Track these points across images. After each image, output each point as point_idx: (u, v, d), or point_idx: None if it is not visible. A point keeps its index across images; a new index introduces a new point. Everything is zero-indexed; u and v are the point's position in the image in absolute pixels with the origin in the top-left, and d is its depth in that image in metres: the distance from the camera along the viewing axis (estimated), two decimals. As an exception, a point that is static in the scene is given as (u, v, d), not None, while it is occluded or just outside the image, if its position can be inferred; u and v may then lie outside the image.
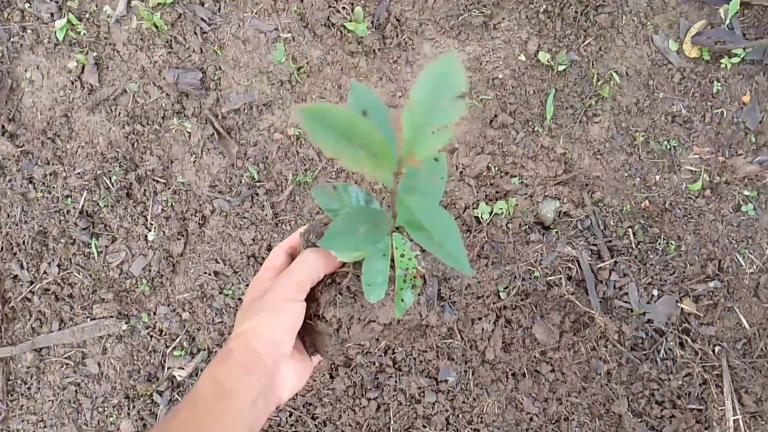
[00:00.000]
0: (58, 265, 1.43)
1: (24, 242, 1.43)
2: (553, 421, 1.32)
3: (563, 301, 1.34)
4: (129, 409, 1.38)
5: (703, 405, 1.31)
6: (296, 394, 1.34)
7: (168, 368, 1.39)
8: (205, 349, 1.40)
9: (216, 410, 0.50)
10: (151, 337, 1.40)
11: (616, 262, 1.37)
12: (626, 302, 1.35)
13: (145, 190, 1.44)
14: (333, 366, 1.34)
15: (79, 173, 1.45)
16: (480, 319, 1.33)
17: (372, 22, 1.45)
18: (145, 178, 1.44)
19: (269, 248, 1.39)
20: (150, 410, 1.38)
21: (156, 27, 1.46)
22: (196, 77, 1.45)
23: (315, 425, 1.33)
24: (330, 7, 1.45)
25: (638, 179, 1.41)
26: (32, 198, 1.45)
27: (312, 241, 0.63)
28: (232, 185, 1.43)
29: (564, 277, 1.35)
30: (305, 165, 1.44)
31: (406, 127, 0.42)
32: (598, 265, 1.37)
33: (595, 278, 1.37)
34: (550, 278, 1.35)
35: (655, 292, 1.36)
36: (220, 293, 1.40)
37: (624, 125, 1.43)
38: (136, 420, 1.38)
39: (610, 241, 1.38)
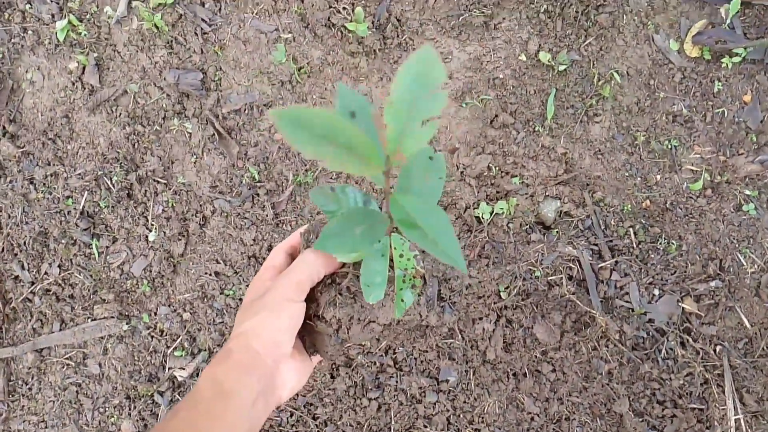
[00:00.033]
0: (59, 266, 1.43)
1: (25, 243, 1.44)
2: (554, 421, 1.32)
3: (564, 300, 1.34)
4: (130, 409, 1.39)
5: (704, 404, 1.31)
6: (297, 394, 1.34)
7: (169, 368, 1.39)
8: (206, 350, 1.40)
9: (216, 410, 0.50)
10: (152, 337, 1.41)
11: (617, 261, 1.37)
12: (627, 302, 1.35)
13: (145, 190, 1.44)
14: (334, 366, 1.34)
15: (79, 174, 1.45)
16: (481, 318, 1.33)
17: (372, 23, 1.45)
18: (146, 178, 1.44)
19: (270, 248, 1.39)
20: (151, 411, 1.39)
21: (157, 28, 1.46)
22: (197, 78, 1.45)
23: (316, 425, 1.33)
24: (330, 7, 1.45)
25: (639, 179, 1.41)
26: (33, 199, 1.45)
27: (312, 241, 0.63)
28: (233, 186, 1.43)
29: (565, 277, 1.35)
30: (306, 165, 1.44)
31: (389, 124, 0.42)
32: (599, 265, 1.36)
33: (596, 278, 1.36)
34: (550, 278, 1.35)
35: (656, 292, 1.35)
36: (220, 293, 1.40)
37: (625, 125, 1.43)
38: (137, 420, 1.38)
39: (611, 241, 1.38)
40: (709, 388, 1.31)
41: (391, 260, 0.58)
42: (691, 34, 1.43)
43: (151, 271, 1.41)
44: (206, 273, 1.41)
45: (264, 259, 1.40)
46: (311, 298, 0.60)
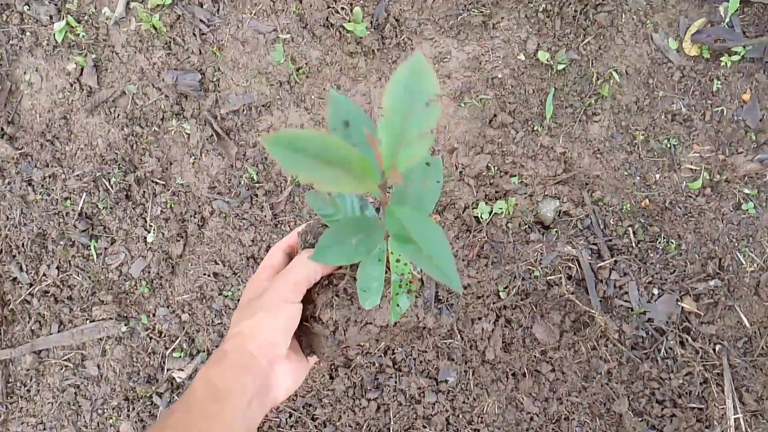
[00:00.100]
0: (58, 267, 1.43)
1: (23, 244, 1.44)
2: (553, 421, 1.32)
3: (563, 300, 1.34)
4: (128, 410, 1.38)
5: (703, 404, 1.31)
6: (296, 395, 1.34)
7: (167, 370, 1.39)
8: (204, 351, 1.39)
9: (211, 411, 0.50)
10: (151, 338, 1.40)
11: (616, 261, 1.37)
12: (626, 301, 1.35)
13: (144, 191, 1.44)
14: (333, 367, 1.34)
15: (78, 175, 1.45)
16: (480, 318, 1.33)
17: (371, 23, 1.45)
18: (144, 179, 1.44)
19: (268, 249, 1.39)
20: (150, 412, 1.38)
21: (155, 28, 1.46)
22: (195, 78, 1.45)
23: (315, 426, 1.33)
24: (329, 7, 1.45)
25: (638, 178, 1.41)
26: (31, 200, 1.45)
27: (310, 242, 0.63)
28: (232, 186, 1.43)
29: (564, 277, 1.35)
30: (304, 166, 1.44)
31: (383, 138, 0.40)
32: (598, 265, 1.36)
33: (595, 277, 1.36)
34: (550, 278, 1.35)
35: (656, 291, 1.35)
36: (219, 294, 1.40)
37: (624, 124, 1.43)
38: (136, 422, 1.38)
39: (610, 240, 1.38)
40: (708, 388, 1.31)
41: (387, 262, 0.58)
42: (690, 32, 1.43)
43: (149, 273, 1.41)
44: (205, 274, 1.41)
45: (263, 260, 1.40)
46: (308, 299, 0.60)
